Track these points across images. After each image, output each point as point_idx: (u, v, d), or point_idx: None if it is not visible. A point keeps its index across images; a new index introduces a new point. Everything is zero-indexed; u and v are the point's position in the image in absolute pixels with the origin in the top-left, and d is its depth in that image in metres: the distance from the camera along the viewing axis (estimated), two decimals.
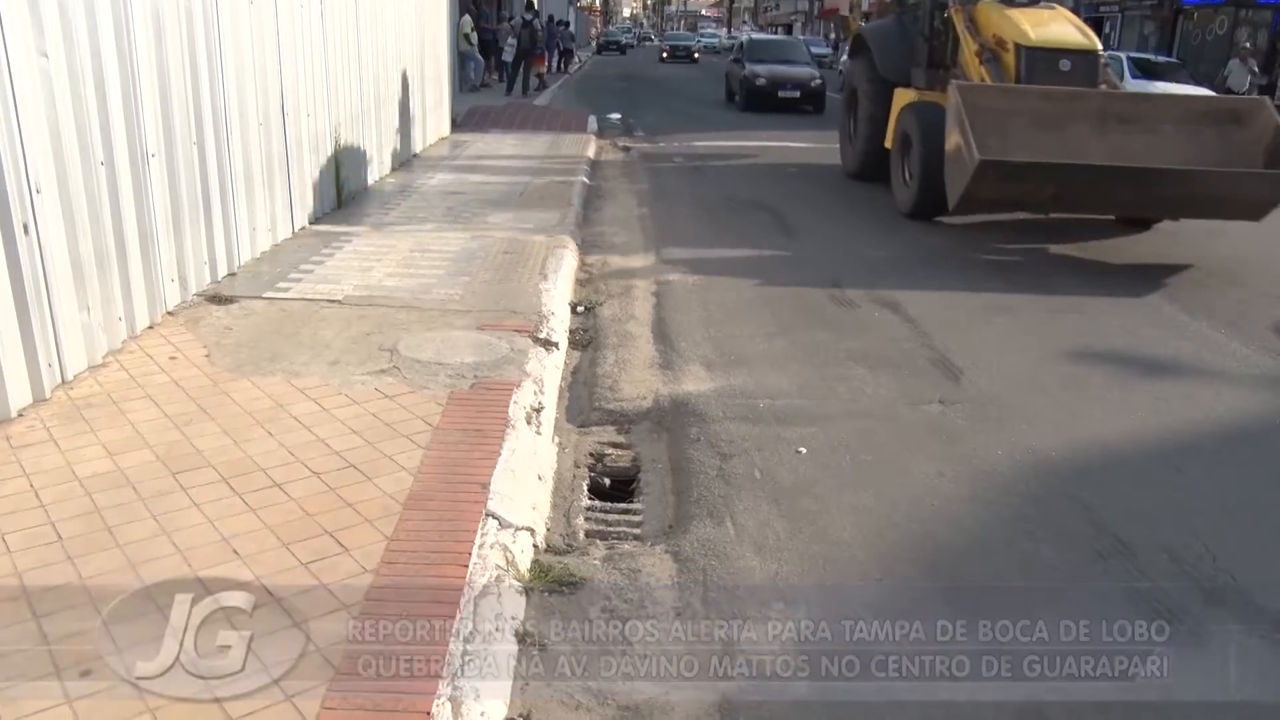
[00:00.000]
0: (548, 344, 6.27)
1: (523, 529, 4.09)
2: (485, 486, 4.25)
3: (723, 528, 4.14)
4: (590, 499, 4.75)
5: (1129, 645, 3.39)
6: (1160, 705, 3.18)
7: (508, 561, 3.82)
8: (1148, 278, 8.54)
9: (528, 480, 4.49)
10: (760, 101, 23.52)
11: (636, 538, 4.32)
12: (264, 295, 6.83)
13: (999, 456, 4.83)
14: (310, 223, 9.01)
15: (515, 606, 3.61)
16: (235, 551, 3.70)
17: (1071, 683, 3.21)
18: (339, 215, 9.57)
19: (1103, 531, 4.19)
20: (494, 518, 4.05)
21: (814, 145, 16.37)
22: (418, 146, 13.90)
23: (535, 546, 4.10)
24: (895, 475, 4.61)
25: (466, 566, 3.68)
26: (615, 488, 4.98)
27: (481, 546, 3.83)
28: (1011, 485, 4.54)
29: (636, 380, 5.93)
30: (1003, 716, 3.06)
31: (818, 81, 23.85)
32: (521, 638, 3.47)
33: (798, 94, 23.56)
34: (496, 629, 3.43)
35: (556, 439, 5.23)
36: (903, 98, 11.54)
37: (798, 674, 3.22)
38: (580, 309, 7.49)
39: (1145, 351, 6.55)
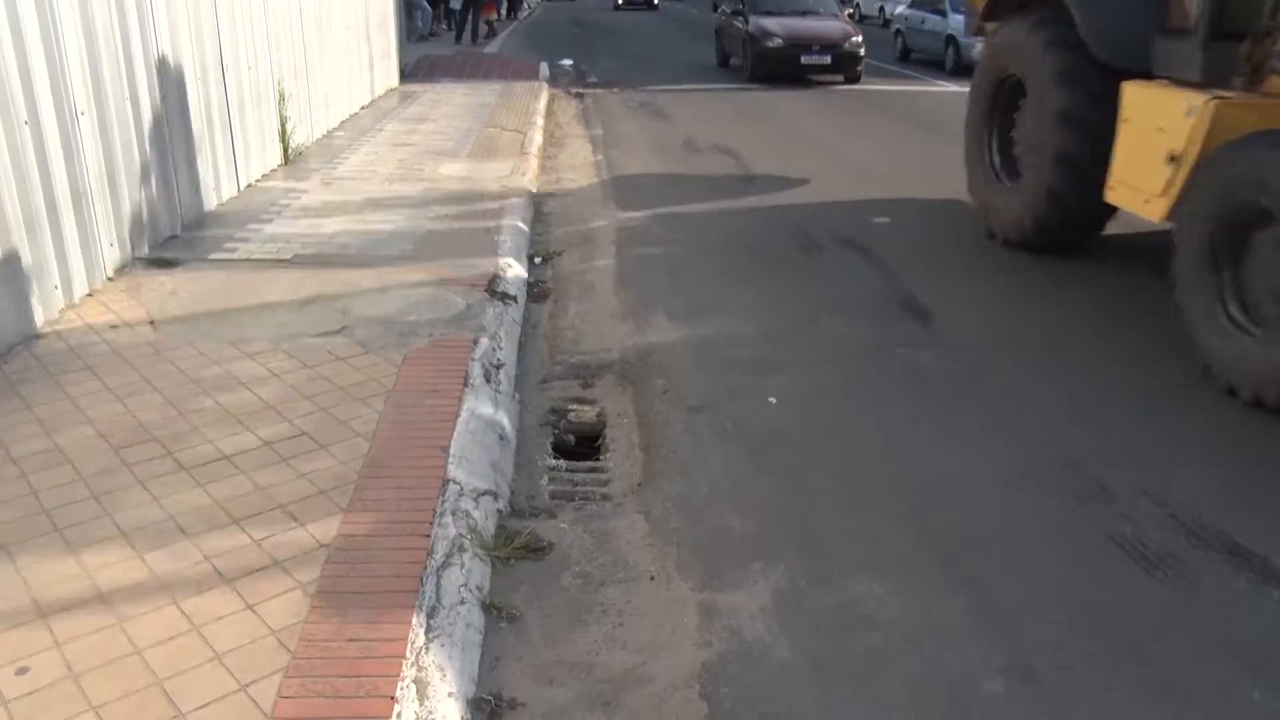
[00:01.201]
0: (505, 297, 6.02)
1: (485, 493, 3.88)
2: (445, 450, 4.03)
3: (694, 484, 3.95)
4: (555, 458, 4.54)
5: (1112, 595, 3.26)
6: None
7: (471, 529, 3.61)
8: None
9: (489, 441, 4.27)
10: (775, 70, 17.00)
11: (605, 497, 4.13)
12: (210, 257, 6.50)
13: (971, 399, 4.67)
14: (257, 180, 8.62)
15: (481, 576, 3.41)
16: (182, 530, 3.46)
17: (1060, 637, 3.08)
18: (287, 171, 9.18)
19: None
20: (454, 483, 3.83)
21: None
22: (366, 98, 13.43)
23: (499, 511, 3.89)
24: (866, 420, 4.43)
25: (428, 536, 3.47)
26: (581, 445, 4.78)
27: (442, 514, 3.62)
28: (989, 429, 4.38)
29: (599, 332, 5.71)
30: (990, 674, 2.90)
31: (856, 40, 17.17)
32: (489, 609, 3.28)
33: (827, 59, 16.84)
34: (462, 601, 3.22)
35: (518, 396, 5.00)
36: (1169, 103, 5.51)
37: (779, 639, 3.04)
38: (539, 260, 7.23)
39: None
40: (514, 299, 6.08)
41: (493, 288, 6.09)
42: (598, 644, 3.08)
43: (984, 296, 6.13)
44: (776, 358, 5.16)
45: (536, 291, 6.58)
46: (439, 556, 3.38)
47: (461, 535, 3.53)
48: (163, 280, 6.01)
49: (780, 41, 16.91)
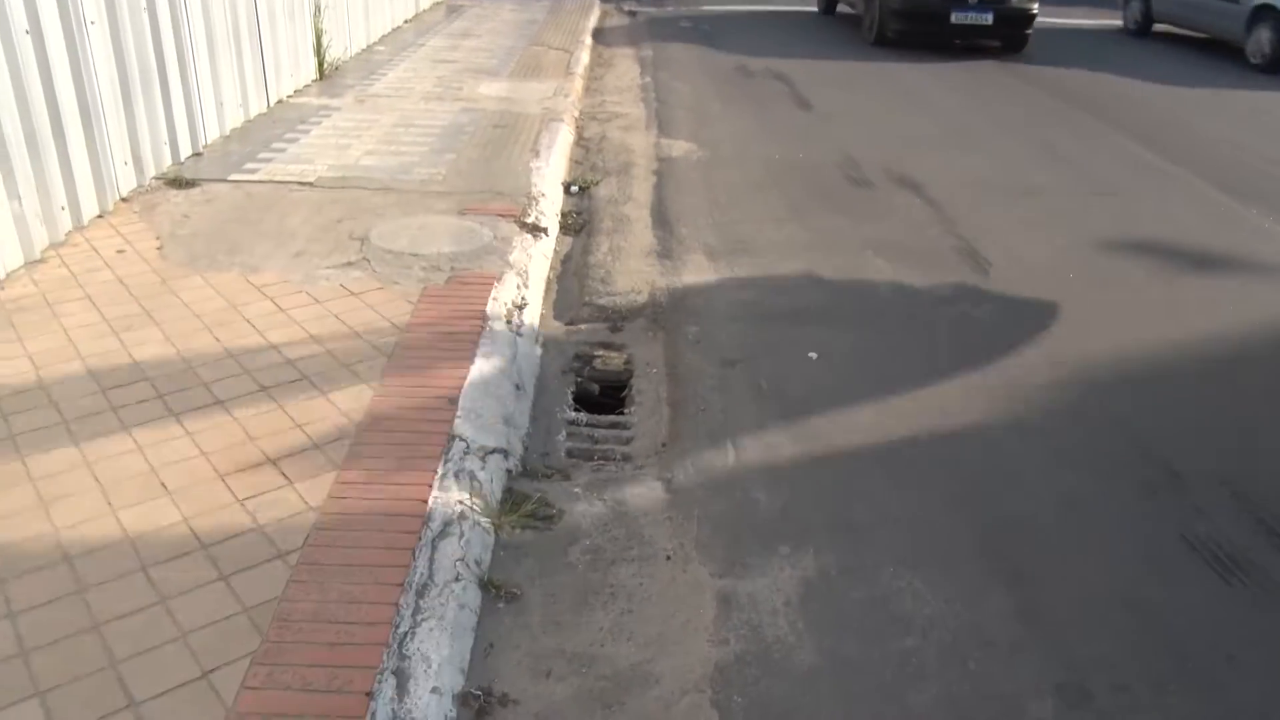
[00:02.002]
0: (535, 230, 5.63)
1: (494, 451, 3.55)
2: (453, 401, 3.70)
3: (722, 450, 3.59)
4: (575, 409, 4.20)
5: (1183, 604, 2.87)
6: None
7: (474, 493, 3.29)
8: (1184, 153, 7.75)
9: (503, 391, 3.93)
10: (915, 32, 12.25)
11: (625, 457, 3.79)
12: (229, 178, 6.17)
13: (1030, 364, 4.23)
14: (287, 96, 8.25)
15: (481, 548, 3.10)
16: (164, 485, 3.18)
17: (1118, 652, 2.70)
18: (319, 87, 8.79)
19: (1150, 459, 3.63)
20: (460, 440, 3.50)
21: None
22: (411, 11, 12.93)
23: (509, 471, 3.57)
24: (919, 380, 4.02)
25: (426, 502, 3.15)
26: (604, 395, 4.43)
27: (444, 476, 3.30)
28: (1047, 400, 3.95)
29: (632, 271, 5.31)
30: (1040, 694, 2.54)
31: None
32: (487, 587, 2.97)
33: (988, 18, 11.87)
34: (457, 578, 2.91)
35: (540, 338, 4.65)
36: None
37: (804, 639, 2.70)
38: (574, 189, 6.81)
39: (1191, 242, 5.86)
40: (545, 231, 5.69)
41: (523, 219, 5.70)
42: (603, 633, 2.76)
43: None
44: (819, 307, 4.75)
45: (570, 223, 6.18)
46: (436, 525, 3.07)
47: (463, 501, 3.21)
48: (178, 202, 5.70)
49: None
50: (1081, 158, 7.43)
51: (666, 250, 5.54)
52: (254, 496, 3.13)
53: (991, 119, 8.53)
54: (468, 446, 3.50)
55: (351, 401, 3.67)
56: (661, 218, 6.10)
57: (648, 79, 10.47)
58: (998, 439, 3.70)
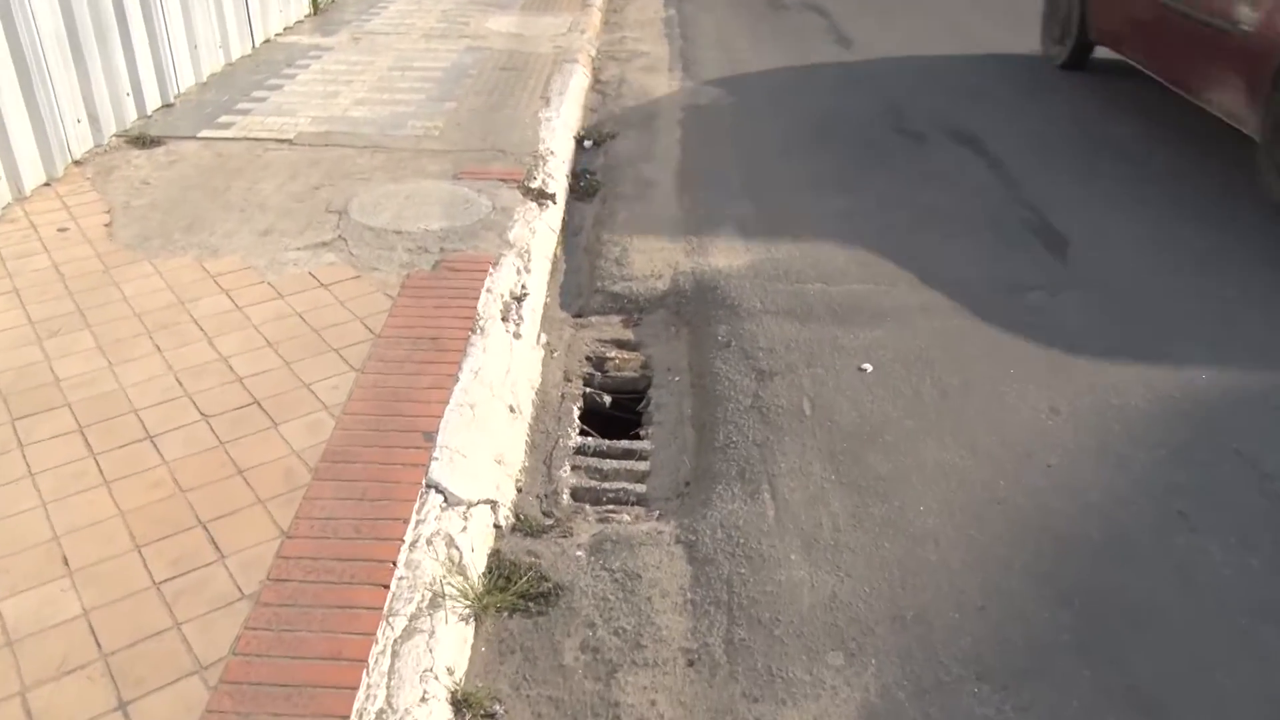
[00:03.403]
0: (541, 197, 4.89)
1: (479, 504, 2.87)
2: (430, 437, 3.01)
3: (758, 501, 2.89)
4: (582, 429, 3.51)
5: None
6: None
7: (451, 567, 2.62)
8: None
9: (495, 417, 3.24)
10: None
11: (640, 501, 3.12)
12: (199, 135, 5.44)
13: (1128, 380, 3.48)
14: (276, 34, 7.45)
15: (455, 649, 2.44)
16: (65, 560, 2.53)
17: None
18: (313, 23, 7.98)
19: None
20: (438, 491, 2.82)
21: None
22: None
23: (497, 528, 2.89)
24: (993, 412, 3.29)
25: (388, 586, 2.48)
26: (617, 406, 3.74)
27: (414, 543, 2.63)
28: (1151, 431, 3.22)
29: (652, 249, 4.57)
30: None
31: None
32: (460, 706, 2.31)
33: None
34: (423, 699, 2.26)
35: (543, 337, 3.94)
36: None
37: None
38: (588, 143, 6.03)
39: None
40: (552, 199, 4.94)
41: (528, 183, 4.96)
42: None
43: (1131, 220, 4.81)
44: (872, 299, 3.99)
45: (583, 185, 5.43)
46: (399, 621, 2.41)
47: (435, 581, 2.54)
48: (138, 165, 4.99)
49: None
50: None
51: (693, 222, 4.78)
52: (175, 578, 2.48)
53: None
54: (445, 500, 2.82)
55: (307, 437, 2.99)
56: (687, 180, 5.32)
57: (671, 11, 9.56)
58: (1089, 480, 2.98)
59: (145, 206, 4.52)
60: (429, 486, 2.84)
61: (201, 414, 3.10)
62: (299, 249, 4.17)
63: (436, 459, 2.93)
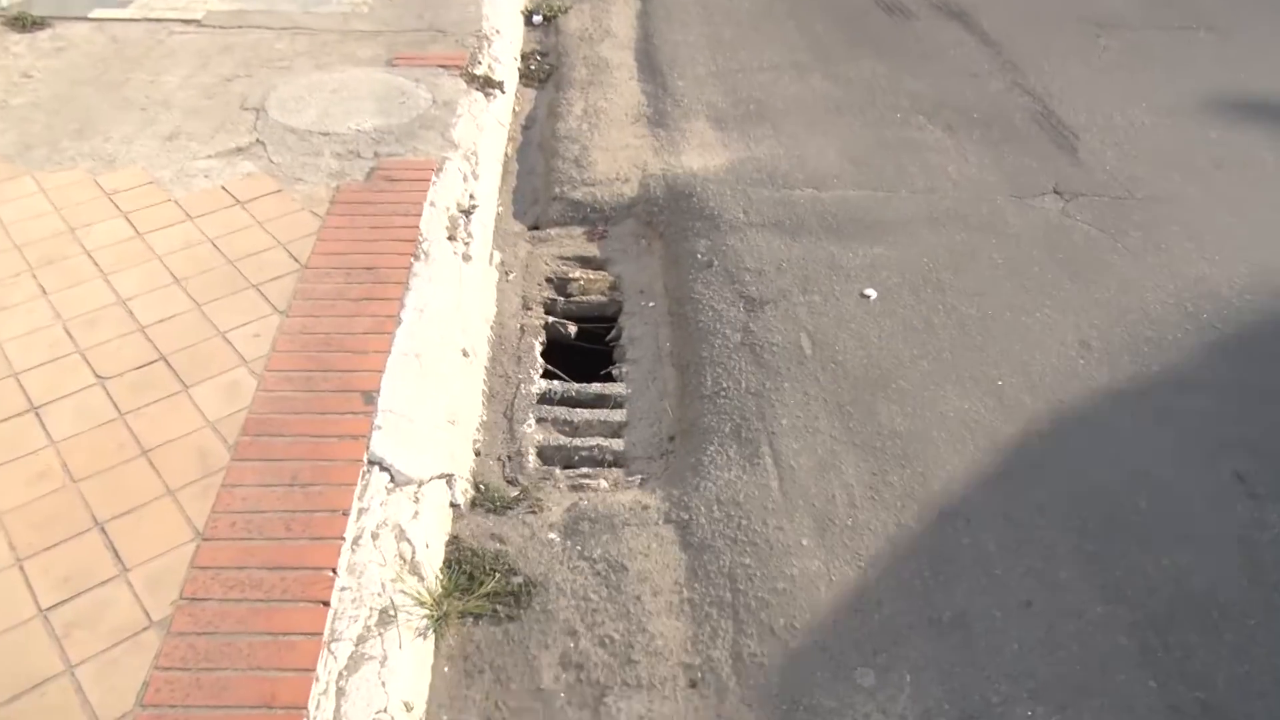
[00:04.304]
0: (488, 85, 4.28)
1: (432, 480, 2.42)
2: (371, 398, 2.53)
3: (759, 468, 2.47)
4: (546, 370, 3.05)
5: None
6: None
7: (403, 566, 2.19)
8: None
9: (445, 363, 2.76)
10: None
11: (616, 460, 2.69)
12: (90, 15, 4.69)
13: (1162, 306, 3.07)
14: None
15: (413, 675, 2.03)
16: None
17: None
18: None
19: None
20: (382, 469, 2.36)
21: None
22: None
23: (454, 506, 2.45)
24: (1017, 348, 2.87)
25: (328, 603, 2.04)
26: (586, 335, 3.28)
27: (358, 541, 2.18)
28: (1192, 370, 2.82)
29: (615, 145, 4.01)
30: None
31: None
32: None
33: None
34: None
35: (497, 256, 3.43)
36: None
37: None
38: (536, 19, 5.35)
39: None
40: (500, 87, 4.33)
41: (471, 69, 4.33)
42: None
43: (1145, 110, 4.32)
44: (870, 208, 3.51)
45: (534, 70, 4.80)
46: (344, 646, 1.98)
47: (385, 587, 2.11)
48: (18, 53, 4.26)
49: None
50: None
51: (660, 113, 4.21)
52: (66, 602, 2.02)
53: None
54: (392, 479, 2.36)
55: (224, 402, 2.50)
56: (650, 63, 4.71)
57: None
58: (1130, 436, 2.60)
59: (26, 106, 3.85)
60: (372, 464, 2.37)
61: (97, 376, 2.58)
62: (210, 157, 3.56)
63: (379, 427, 2.45)
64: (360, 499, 2.29)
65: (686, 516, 2.36)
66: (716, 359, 2.84)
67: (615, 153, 3.93)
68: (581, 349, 3.24)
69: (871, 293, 3.06)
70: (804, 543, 2.26)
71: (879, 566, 2.20)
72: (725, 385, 2.74)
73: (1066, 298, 3.08)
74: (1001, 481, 2.42)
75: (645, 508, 2.41)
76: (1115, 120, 4.10)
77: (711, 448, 2.55)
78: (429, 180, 3.48)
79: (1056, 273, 3.19)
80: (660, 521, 2.36)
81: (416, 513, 2.33)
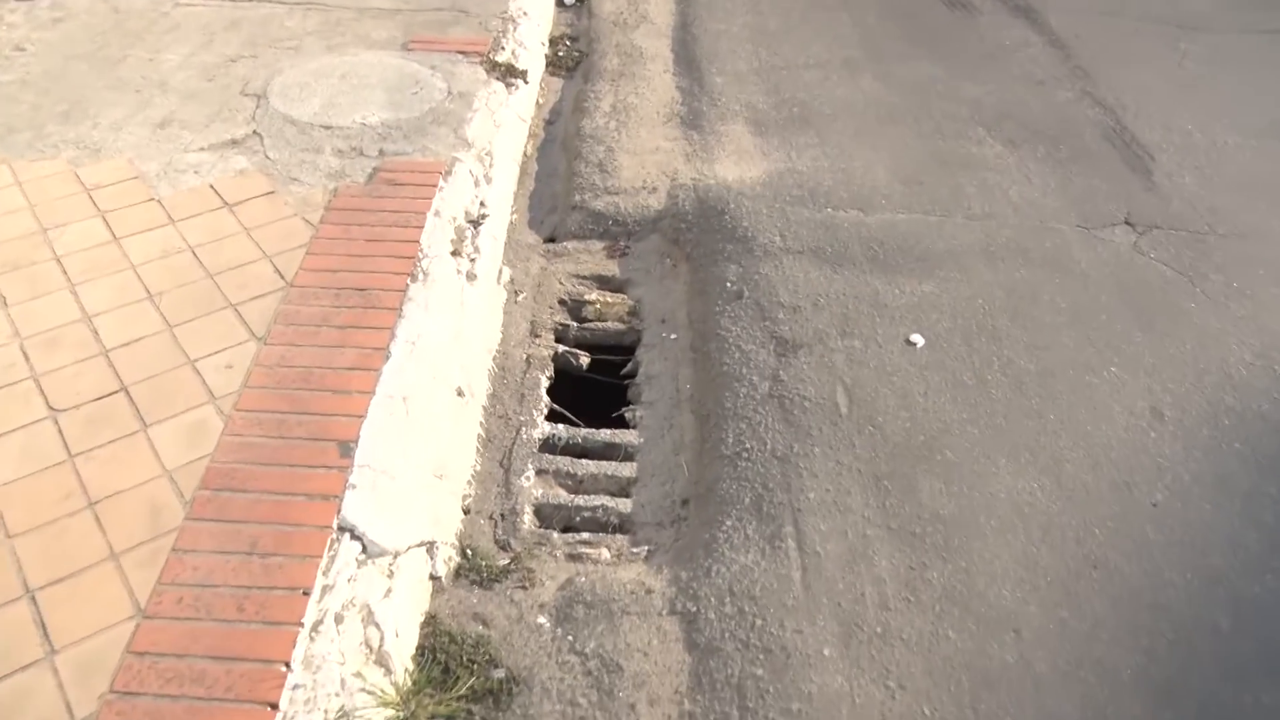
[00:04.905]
0: (510, 75, 3.96)
1: (410, 549, 2.14)
2: (348, 449, 2.25)
3: (780, 554, 2.17)
4: (551, 410, 2.76)
5: None
6: None
7: (368, 656, 1.92)
8: None
9: (436, 405, 2.48)
10: None
11: (621, 525, 2.41)
12: None
13: (1247, 368, 2.72)
14: None
15: None
16: None
17: None
18: None
19: None
20: (354, 537, 2.09)
21: None
22: None
23: (434, 579, 2.18)
24: (1080, 415, 2.54)
25: (275, 705, 1.78)
26: (598, 367, 2.99)
27: (319, 627, 1.92)
28: None
29: (644, 149, 3.69)
30: None
31: None
32: None
33: None
34: None
35: (506, 273, 3.14)
36: None
37: None
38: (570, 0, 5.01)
39: None
40: (524, 76, 4.01)
41: (493, 56, 4.02)
42: None
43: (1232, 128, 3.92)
44: (921, 237, 3.18)
45: (562, 57, 4.47)
46: None
47: (345, 685, 1.84)
48: (14, 23, 4.01)
49: None
50: None
51: (694, 113, 3.88)
52: None
53: None
54: (364, 549, 2.09)
55: (185, 447, 2.23)
56: (687, 54, 4.37)
57: None
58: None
59: (14, 84, 3.59)
60: (343, 530, 2.10)
61: (50, 408, 2.32)
62: (203, 149, 3.28)
63: (354, 486, 2.18)
64: (326, 573, 2.02)
65: (694, 609, 2.07)
66: (741, 411, 2.53)
67: (643, 157, 3.60)
68: (592, 381, 2.95)
69: (918, 339, 2.74)
70: (826, 653, 1.96)
71: (911, 688, 1.90)
72: (749, 445, 2.44)
73: (1137, 353, 2.74)
74: (1056, 585, 2.10)
75: (649, 592, 2.13)
76: (1195, 139, 3.72)
77: (728, 522, 2.25)
78: (435, 186, 3.18)
79: (1127, 322, 2.84)
80: (664, 611, 2.07)
81: (389, 590, 2.06)
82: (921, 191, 3.37)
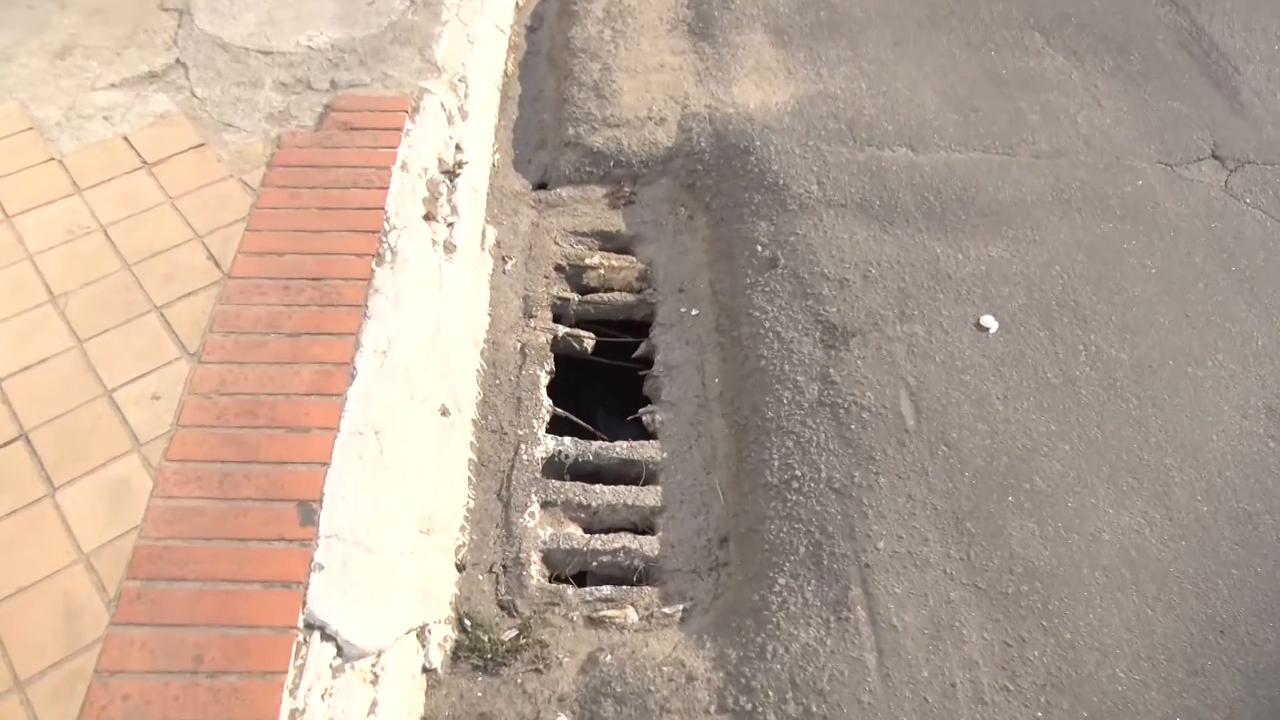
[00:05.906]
0: None
1: (398, 641, 1.73)
2: (310, 512, 1.80)
3: (847, 625, 1.79)
4: (551, 412, 2.32)
5: None
6: None
7: None
8: None
9: (417, 434, 2.02)
10: None
11: (648, 572, 2.01)
12: None
13: None
14: None
15: None
16: None
17: None
18: None
19: None
20: (325, 636, 1.66)
21: None
22: None
23: (427, 671, 1.77)
24: (1185, 422, 2.13)
25: None
26: (604, 347, 2.53)
27: None
28: None
29: (647, 65, 3.12)
30: None
31: None
32: None
33: None
34: None
35: (492, 234, 2.63)
36: None
37: None
38: None
39: None
40: None
41: None
42: None
43: None
44: (983, 182, 2.67)
45: None
46: None
47: None
48: None
49: None
50: None
51: (703, 19, 3.29)
52: None
53: None
54: (339, 650, 1.66)
55: (104, 517, 1.78)
56: None
57: None
58: None
59: None
60: (311, 628, 1.67)
61: None
62: (114, 86, 2.69)
63: (320, 566, 1.74)
64: (294, 694, 1.60)
65: (749, 707, 1.68)
66: (785, 424, 2.09)
67: (647, 77, 3.04)
68: (597, 363, 2.49)
69: (991, 323, 2.28)
70: None
71: None
72: (799, 471, 2.01)
73: (1244, 333, 2.30)
74: (1179, 661, 1.73)
75: (691, 679, 1.74)
76: None
77: (781, 580, 1.85)
78: (400, 129, 2.63)
79: (1227, 290, 2.40)
80: (712, 709, 1.68)
81: (374, 702, 1.65)
82: (978, 121, 2.84)
